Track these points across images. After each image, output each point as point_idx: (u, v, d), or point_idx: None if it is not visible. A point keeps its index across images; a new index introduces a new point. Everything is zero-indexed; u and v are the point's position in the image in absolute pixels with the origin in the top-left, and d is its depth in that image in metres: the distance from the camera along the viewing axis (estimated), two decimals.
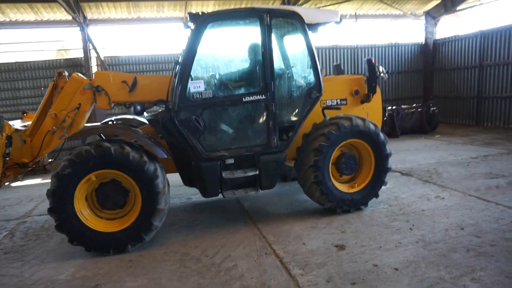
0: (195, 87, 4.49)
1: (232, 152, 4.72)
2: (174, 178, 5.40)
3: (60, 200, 4.09)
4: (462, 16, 14.84)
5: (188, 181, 5.16)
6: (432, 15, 14.71)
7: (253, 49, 4.91)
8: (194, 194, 6.54)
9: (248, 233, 4.68)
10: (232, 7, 13.14)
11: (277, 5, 5.67)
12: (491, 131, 11.82)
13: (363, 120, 5.03)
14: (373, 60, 5.55)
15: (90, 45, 12.40)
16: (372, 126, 5.01)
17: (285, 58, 5.31)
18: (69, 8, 10.31)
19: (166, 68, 13.07)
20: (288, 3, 12.52)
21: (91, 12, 12.37)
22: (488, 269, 3.48)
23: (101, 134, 5.37)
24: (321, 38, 14.75)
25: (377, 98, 5.75)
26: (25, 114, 5.72)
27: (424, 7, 14.94)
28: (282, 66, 5.19)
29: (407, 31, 15.87)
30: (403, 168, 7.49)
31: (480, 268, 3.50)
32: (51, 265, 4.15)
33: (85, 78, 5.05)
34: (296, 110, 4.95)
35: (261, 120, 4.80)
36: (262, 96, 4.66)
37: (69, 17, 11.65)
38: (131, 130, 4.64)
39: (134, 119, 5.95)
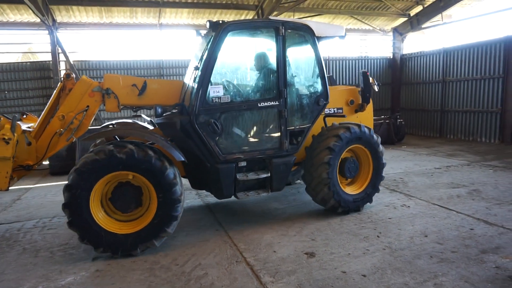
0: (215, 91, 4.65)
1: (246, 154, 4.90)
2: None
3: (75, 196, 4.02)
4: (427, 33, 15.58)
5: (197, 184, 5.22)
6: (400, 32, 15.37)
7: (267, 58, 5.21)
8: None
9: (219, 241, 4.67)
10: (206, 15, 13.21)
11: (291, 18, 6.00)
12: (454, 143, 12.41)
13: (369, 128, 5.47)
14: (368, 73, 5.96)
15: (59, 48, 12.07)
16: (374, 134, 5.52)
17: (295, 67, 5.49)
18: (38, 10, 10.02)
19: (137, 75, 12.90)
20: (262, 15, 12.72)
21: (60, 15, 12.07)
22: (449, 274, 3.64)
23: (115, 136, 5.22)
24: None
25: (369, 108, 6.18)
26: (24, 116, 5.48)
27: (392, 24, 15.59)
28: (293, 75, 5.38)
29: (377, 46, 16.49)
30: None
31: (442, 274, 3.65)
32: (11, 276, 3.95)
33: (94, 80, 5.05)
34: (305, 116, 5.26)
35: (273, 125, 5.04)
36: (275, 102, 4.94)
37: (37, 20, 11.31)
38: (149, 132, 4.66)
39: (135, 122, 5.94)
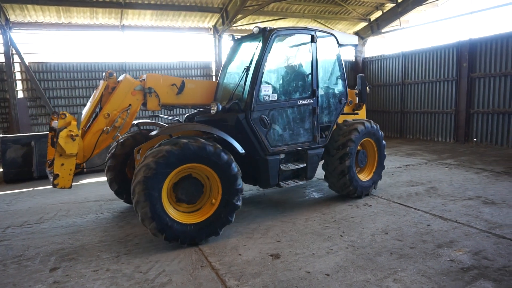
0: (266, 90, 5.25)
1: (289, 147, 5.53)
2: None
3: (150, 188, 4.15)
4: (387, 37, 16.17)
5: (244, 177, 5.30)
6: (361, 36, 15.86)
7: (304, 61, 5.84)
8: (127, 208, 6.29)
9: (184, 246, 4.60)
10: (170, 17, 13.04)
11: (319, 27, 6.84)
12: (413, 142, 12.95)
13: (376, 124, 6.49)
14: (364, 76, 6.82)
15: (13, 49, 11.48)
16: (377, 127, 6.49)
17: (322, 69, 6.01)
18: None
19: (98, 77, 12.51)
20: (227, 17, 12.72)
21: (14, 15, 11.49)
22: (408, 269, 3.78)
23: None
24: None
25: (363, 107, 7.13)
26: (56, 116, 5.25)
27: (353, 28, 16.06)
28: (323, 76, 5.97)
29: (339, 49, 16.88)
30: None
31: (401, 269, 3.79)
32: None
33: (136, 80, 5.23)
34: (331, 113, 6.07)
35: (309, 121, 5.75)
36: (311, 100, 5.68)
37: None
38: (216, 130, 4.86)
39: (157, 122, 6.33)
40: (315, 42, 5.71)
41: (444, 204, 5.85)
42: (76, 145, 4.53)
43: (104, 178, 6.55)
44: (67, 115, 4.62)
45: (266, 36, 5.28)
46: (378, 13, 14.79)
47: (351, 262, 3.98)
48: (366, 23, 15.36)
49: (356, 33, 15.88)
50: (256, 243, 4.60)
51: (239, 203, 4.68)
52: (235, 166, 4.61)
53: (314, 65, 5.71)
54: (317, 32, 5.75)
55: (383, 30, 14.94)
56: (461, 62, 11.96)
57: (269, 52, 5.25)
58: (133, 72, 12.94)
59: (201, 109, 6.16)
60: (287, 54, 6.01)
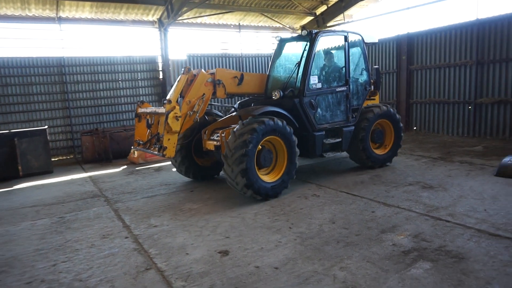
0: (313, 80, 6.71)
1: (330, 125, 7.03)
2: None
3: (249, 153, 5.55)
4: None
5: None
6: (307, 29, 16.08)
7: (340, 56, 7.26)
8: (68, 213, 5.90)
9: (129, 248, 4.38)
10: (111, 9, 12.41)
11: (349, 30, 7.69)
12: None
13: (394, 109, 8.00)
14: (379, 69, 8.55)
15: None
16: (394, 111, 7.83)
17: (353, 63, 7.39)
18: None
19: (35, 73, 11.63)
20: (172, 10, 12.33)
21: None
22: (353, 257, 3.87)
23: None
24: (210, 47, 14.97)
25: (378, 94, 8.57)
26: (142, 103, 6.82)
27: (300, 22, 16.28)
28: (353, 68, 7.36)
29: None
30: None
31: (347, 257, 3.87)
32: None
33: (207, 73, 6.38)
34: (359, 98, 7.48)
35: (343, 104, 7.21)
36: (345, 87, 7.16)
37: None
38: (283, 110, 6.31)
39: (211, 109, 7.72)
40: (348, 42, 7.12)
41: (387, 190, 6.10)
42: (180, 124, 5.77)
43: (43, 182, 6.04)
44: (172, 101, 5.76)
45: (313, 38, 6.65)
46: (323, 7, 15.09)
47: (300, 254, 4.00)
48: (312, 17, 15.62)
49: (303, 27, 16.12)
50: (204, 240, 4.49)
51: (297, 161, 6.27)
52: (293, 136, 6.16)
53: (347, 59, 7.12)
54: (349, 33, 7.18)
55: (328, 24, 15.27)
56: (401, 55, 12.56)
57: (315, 50, 6.64)
58: (73, 67, 12.16)
59: (250, 97, 7.54)
60: (327, 51, 7.54)
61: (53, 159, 10.42)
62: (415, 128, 12.49)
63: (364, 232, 4.48)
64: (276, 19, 15.46)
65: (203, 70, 6.29)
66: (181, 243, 4.47)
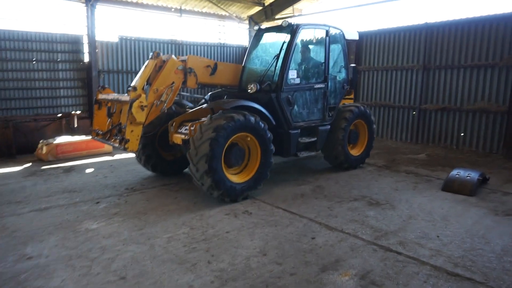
0: (292, 75, 6.25)
1: (305, 123, 6.59)
2: None
3: (215, 155, 5.04)
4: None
5: None
6: (255, 20, 15.12)
7: (319, 51, 6.89)
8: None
9: None
10: None
11: (330, 24, 7.11)
12: None
13: (369, 109, 7.73)
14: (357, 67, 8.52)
15: None
16: (370, 112, 7.65)
17: (332, 59, 7.02)
18: None
19: None
20: None
21: None
22: None
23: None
24: (146, 31, 13.42)
25: (352, 93, 8.50)
26: (102, 89, 6.14)
27: (248, 12, 15.24)
28: (332, 65, 6.98)
29: (234, 33, 15.96)
30: None
31: None
32: None
33: (178, 60, 5.81)
34: (337, 97, 7.16)
35: (320, 102, 6.82)
36: (323, 84, 6.76)
37: None
38: (258, 105, 5.81)
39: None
40: (328, 36, 6.74)
41: (330, 207, 5.30)
42: (145, 114, 5.15)
43: None
44: (137, 88, 5.14)
45: (294, 30, 6.24)
46: None
47: None
48: (260, 8, 14.65)
49: (250, 17, 15.11)
50: (89, 284, 3.30)
51: (272, 160, 5.77)
52: (268, 133, 5.64)
53: (327, 55, 6.74)
54: (330, 28, 6.77)
55: (276, 17, 14.39)
56: (349, 54, 12.00)
57: (295, 43, 6.23)
58: None
59: (222, 89, 6.97)
60: (307, 45, 6.95)
61: None
62: None
63: (301, 270, 3.57)
64: (222, 6, 14.27)
65: (173, 56, 5.75)
66: (56, 285, 3.24)
